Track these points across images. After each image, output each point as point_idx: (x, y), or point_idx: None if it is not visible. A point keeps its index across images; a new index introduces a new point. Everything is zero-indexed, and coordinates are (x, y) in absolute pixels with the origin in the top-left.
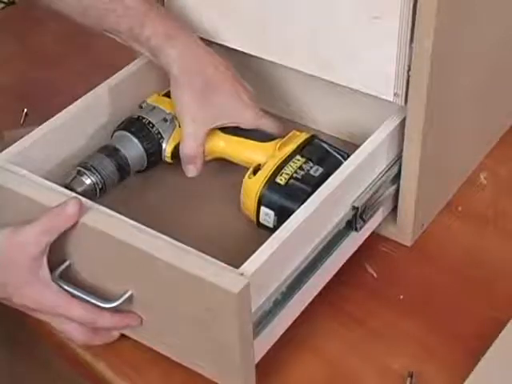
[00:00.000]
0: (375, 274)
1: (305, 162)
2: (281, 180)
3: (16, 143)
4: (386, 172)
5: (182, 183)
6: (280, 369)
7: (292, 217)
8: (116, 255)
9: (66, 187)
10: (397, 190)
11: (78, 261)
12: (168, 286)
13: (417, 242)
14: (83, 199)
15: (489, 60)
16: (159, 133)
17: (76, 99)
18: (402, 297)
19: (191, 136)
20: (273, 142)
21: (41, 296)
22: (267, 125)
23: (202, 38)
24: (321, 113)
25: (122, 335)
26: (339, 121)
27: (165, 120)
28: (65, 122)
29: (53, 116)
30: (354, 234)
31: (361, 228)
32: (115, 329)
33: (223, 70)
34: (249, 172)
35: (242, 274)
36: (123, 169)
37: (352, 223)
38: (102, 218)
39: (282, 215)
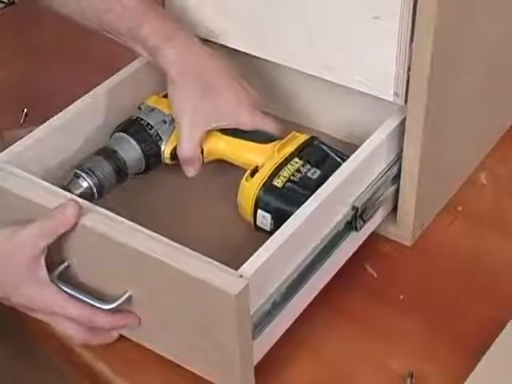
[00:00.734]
0: (375, 274)
1: (303, 165)
2: (278, 183)
3: (16, 143)
4: (386, 172)
5: (181, 184)
6: (280, 369)
7: (292, 217)
8: (115, 256)
9: (64, 189)
10: (397, 190)
11: (77, 262)
12: (167, 287)
13: (417, 242)
14: (82, 201)
15: (489, 60)
16: (158, 134)
17: (76, 99)
18: (402, 297)
19: (188, 138)
20: (272, 144)
21: (39, 296)
22: (267, 126)
23: (202, 38)
24: (321, 113)
25: (122, 335)
26: (339, 121)
27: (164, 121)
28: (64, 122)
29: (53, 116)
30: (354, 234)
31: (361, 228)
32: (114, 328)
33: (222, 71)
34: (246, 174)
35: (241, 276)
36: (121, 171)
37: (352, 223)
38: (101, 220)
39: (279, 218)
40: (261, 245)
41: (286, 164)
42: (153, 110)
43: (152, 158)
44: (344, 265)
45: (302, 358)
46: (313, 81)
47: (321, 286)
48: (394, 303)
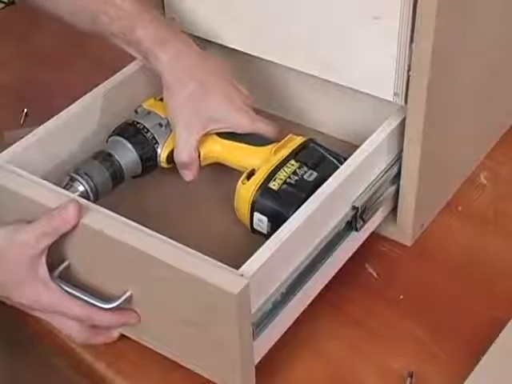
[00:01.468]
0: (375, 274)
1: (299, 167)
2: (274, 185)
3: (16, 143)
4: (386, 172)
5: (179, 187)
6: (280, 369)
7: (292, 217)
8: (115, 256)
9: None
10: (397, 190)
11: (78, 261)
12: (167, 286)
13: (417, 242)
14: (82, 201)
15: (489, 60)
16: (154, 138)
17: (76, 99)
18: (402, 297)
19: (184, 142)
20: (269, 147)
21: (39, 295)
22: (263, 128)
23: (201, 38)
24: (321, 113)
25: (122, 335)
26: (339, 120)
27: (160, 125)
28: (64, 122)
29: (53, 116)
30: (354, 234)
31: (361, 228)
32: (114, 327)
33: (216, 75)
34: (242, 177)
35: (241, 275)
36: (117, 175)
37: (352, 223)
38: (102, 219)
39: (276, 221)
40: (259, 247)
41: (283, 166)
42: (149, 113)
43: (148, 162)
44: (344, 265)
45: (302, 357)
46: (312, 81)
47: (321, 286)
48: (394, 303)
